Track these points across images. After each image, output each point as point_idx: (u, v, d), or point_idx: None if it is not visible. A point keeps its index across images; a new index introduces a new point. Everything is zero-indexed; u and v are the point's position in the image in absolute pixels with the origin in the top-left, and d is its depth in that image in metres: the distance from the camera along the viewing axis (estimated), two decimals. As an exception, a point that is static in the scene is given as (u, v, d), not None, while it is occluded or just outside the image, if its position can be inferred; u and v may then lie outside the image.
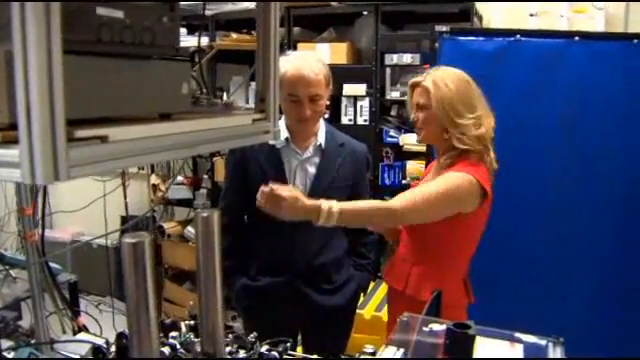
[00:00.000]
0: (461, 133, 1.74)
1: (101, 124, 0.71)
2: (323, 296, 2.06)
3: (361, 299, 3.13)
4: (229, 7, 3.61)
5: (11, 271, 2.19)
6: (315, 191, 2.00)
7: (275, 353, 1.31)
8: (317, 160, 2.03)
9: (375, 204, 1.76)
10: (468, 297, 1.91)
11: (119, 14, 0.74)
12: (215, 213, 0.96)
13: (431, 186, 1.72)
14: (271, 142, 1.91)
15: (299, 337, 2.18)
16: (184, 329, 1.32)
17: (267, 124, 1.06)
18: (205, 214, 0.95)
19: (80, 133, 0.64)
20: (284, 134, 1.99)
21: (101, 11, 0.71)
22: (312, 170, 2.02)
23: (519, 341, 1.22)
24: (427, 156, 2.78)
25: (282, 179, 1.98)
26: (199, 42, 1.46)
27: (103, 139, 0.68)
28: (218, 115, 0.98)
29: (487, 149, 1.77)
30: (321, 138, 2.05)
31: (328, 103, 2.09)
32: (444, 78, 1.76)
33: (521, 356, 1.18)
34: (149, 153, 0.76)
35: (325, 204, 1.58)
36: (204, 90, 1.10)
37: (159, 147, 0.78)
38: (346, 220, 1.63)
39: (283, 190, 1.60)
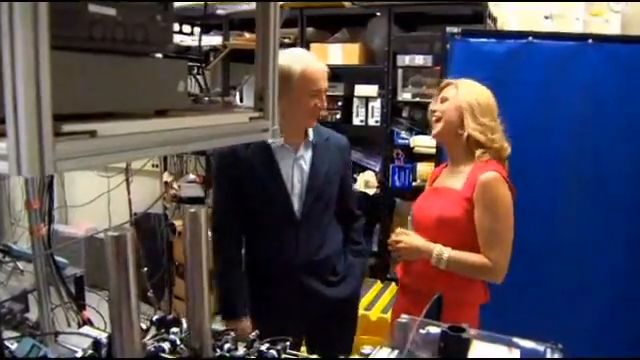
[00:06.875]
0: (478, 131, 1.86)
1: (94, 119, 0.72)
2: (331, 288, 2.09)
3: (368, 301, 3.14)
4: (243, 7, 3.63)
5: (19, 264, 2.22)
6: (313, 186, 2.02)
7: (273, 352, 1.31)
8: (310, 156, 2.05)
9: (477, 260, 1.81)
10: (486, 296, 1.94)
11: (111, 12, 0.74)
12: (202, 209, 0.97)
13: (497, 221, 1.81)
14: (270, 141, 1.92)
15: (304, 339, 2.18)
16: (185, 325, 1.33)
17: (266, 122, 1.06)
18: (193, 210, 0.96)
19: (67, 127, 0.65)
20: None
21: (93, 8, 0.72)
22: (307, 166, 2.04)
23: (517, 346, 1.21)
24: (437, 158, 2.76)
25: (279, 179, 1.99)
26: (199, 42, 1.48)
27: (92, 134, 0.69)
28: (214, 112, 0.99)
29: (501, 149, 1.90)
30: (310, 134, 2.07)
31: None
32: (474, 84, 1.96)
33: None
34: (139, 149, 0.76)
35: (437, 249, 1.82)
36: (204, 89, 1.11)
37: (150, 143, 0.78)
38: (452, 267, 1.82)
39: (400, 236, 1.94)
